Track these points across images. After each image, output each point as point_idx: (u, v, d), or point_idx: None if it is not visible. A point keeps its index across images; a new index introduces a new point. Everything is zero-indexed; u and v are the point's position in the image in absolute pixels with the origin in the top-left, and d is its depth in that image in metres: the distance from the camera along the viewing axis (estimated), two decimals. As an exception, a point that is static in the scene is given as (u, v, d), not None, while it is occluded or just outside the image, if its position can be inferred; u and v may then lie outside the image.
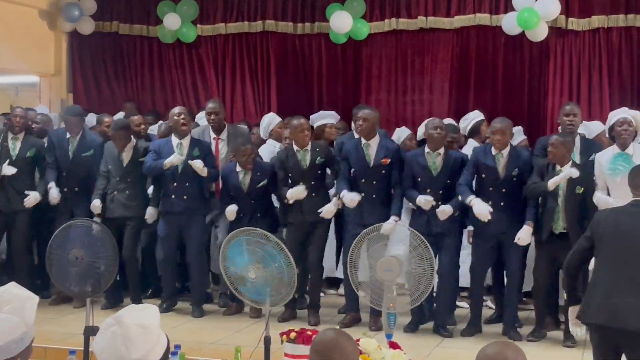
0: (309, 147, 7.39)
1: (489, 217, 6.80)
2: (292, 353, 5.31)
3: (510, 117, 8.22)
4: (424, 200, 6.98)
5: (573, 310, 4.83)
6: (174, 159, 7.57)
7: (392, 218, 7.02)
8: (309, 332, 5.36)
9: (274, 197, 7.80)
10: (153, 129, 8.92)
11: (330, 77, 9.99)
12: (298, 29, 10.02)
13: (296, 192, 7.28)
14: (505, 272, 7.21)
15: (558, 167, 6.76)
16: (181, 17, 10.08)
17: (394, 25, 9.64)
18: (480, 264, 7.12)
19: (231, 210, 7.48)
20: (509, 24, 8.99)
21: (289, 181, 7.44)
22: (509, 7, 9.09)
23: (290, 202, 7.30)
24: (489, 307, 7.78)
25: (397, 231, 5.88)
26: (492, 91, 9.43)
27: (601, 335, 4.55)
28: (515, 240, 6.83)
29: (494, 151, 6.98)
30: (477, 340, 6.82)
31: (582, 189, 6.70)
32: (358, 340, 5.11)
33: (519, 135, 7.96)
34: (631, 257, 4.50)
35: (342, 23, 9.43)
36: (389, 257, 5.70)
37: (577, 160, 6.98)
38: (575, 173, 6.62)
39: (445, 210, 6.96)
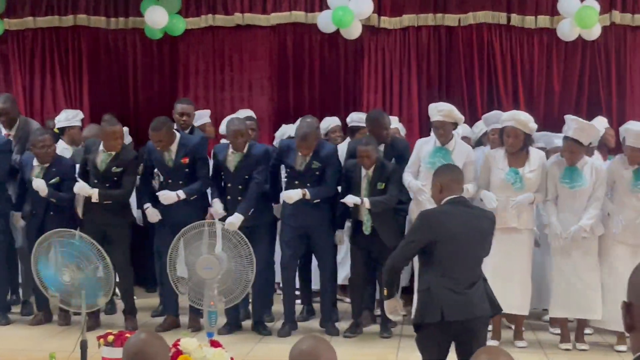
0: (113, 153, 7.18)
1: (300, 196, 6.87)
2: (109, 356, 5.16)
3: (327, 113, 8.43)
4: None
5: (389, 304, 4.92)
6: None
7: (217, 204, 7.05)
8: (127, 335, 5.22)
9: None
10: None
11: (145, 73, 9.78)
12: (111, 23, 9.74)
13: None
14: (318, 265, 7.30)
15: (364, 171, 6.93)
16: (-14, 10, 9.58)
17: (211, 22, 9.56)
18: (290, 258, 7.16)
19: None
20: (324, 22, 9.12)
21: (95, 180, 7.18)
22: (324, 6, 9.22)
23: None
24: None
25: (214, 228, 5.84)
26: (309, 88, 9.53)
27: (449, 330, 4.64)
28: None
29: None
30: (298, 335, 6.87)
31: (383, 184, 6.88)
32: (179, 340, 5.05)
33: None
34: (465, 254, 4.66)
35: (157, 18, 9.24)
36: (209, 255, 5.66)
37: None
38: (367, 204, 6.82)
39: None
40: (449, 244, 4.65)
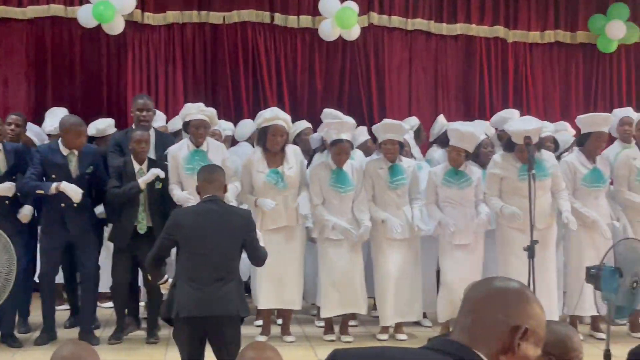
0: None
1: (79, 198, 6.58)
2: None
3: (89, 111, 8.19)
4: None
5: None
6: None
7: None
8: None
9: None
10: None
11: None
12: None
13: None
14: (79, 273, 7.04)
15: (137, 166, 6.75)
16: None
17: (-38, 14, 9.02)
18: (49, 268, 6.80)
19: None
20: (85, 16, 8.84)
21: None
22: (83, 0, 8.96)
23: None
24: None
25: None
26: (70, 84, 9.23)
27: (192, 326, 4.72)
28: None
29: (64, 151, 6.73)
30: (59, 342, 6.61)
31: (161, 184, 6.77)
32: None
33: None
34: (211, 251, 4.76)
35: None
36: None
37: (153, 155, 7.00)
38: (162, 173, 6.68)
39: (25, 214, 6.65)
40: (190, 242, 4.80)
